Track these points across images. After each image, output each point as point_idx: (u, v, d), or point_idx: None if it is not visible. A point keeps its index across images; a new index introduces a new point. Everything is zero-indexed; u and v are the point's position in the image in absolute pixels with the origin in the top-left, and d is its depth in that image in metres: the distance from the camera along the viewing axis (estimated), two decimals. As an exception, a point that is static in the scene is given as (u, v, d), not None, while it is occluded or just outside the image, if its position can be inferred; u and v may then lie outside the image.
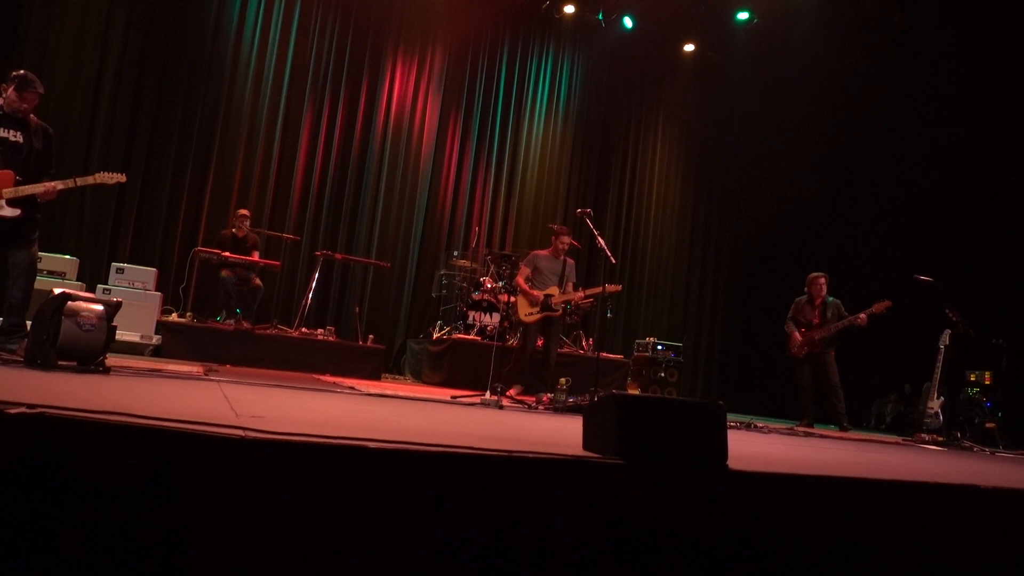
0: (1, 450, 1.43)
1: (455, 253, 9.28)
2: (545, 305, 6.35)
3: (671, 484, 1.96)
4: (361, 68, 9.85)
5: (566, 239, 6.49)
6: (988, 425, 7.75)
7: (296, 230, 9.19)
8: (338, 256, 8.67)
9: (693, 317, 11.73)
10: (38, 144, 4.17)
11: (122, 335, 6.16)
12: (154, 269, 7.12)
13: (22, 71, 4.14)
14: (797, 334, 6.98)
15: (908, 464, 3.49)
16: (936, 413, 7.09)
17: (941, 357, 7.17)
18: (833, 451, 3.85)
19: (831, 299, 7.05)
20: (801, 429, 6.15)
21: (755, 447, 3.42)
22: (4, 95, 4.04)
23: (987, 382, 8.36)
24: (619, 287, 6.58)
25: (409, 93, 10.15)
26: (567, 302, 6.46)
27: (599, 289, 6.26)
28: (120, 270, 6.84)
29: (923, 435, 6.94)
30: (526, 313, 6.43)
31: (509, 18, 10.83)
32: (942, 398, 7.14)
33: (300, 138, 9.44)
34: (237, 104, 9.11)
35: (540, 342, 6.61)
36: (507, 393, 5.32)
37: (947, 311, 7.13)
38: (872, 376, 9.51)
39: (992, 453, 6.10)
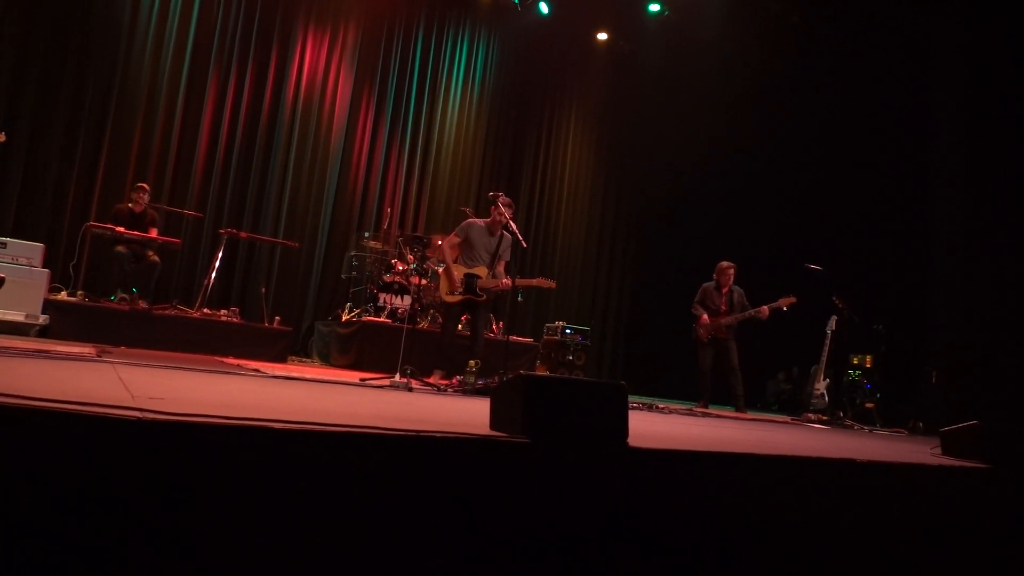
0: None
1: (366, 234, 9.14)
2: (469, 287, 5.84)
3: (574, 461, 2.03)
4: (270, 39, 9.50)
5: (509, 212, 5.78)
6: (868, 405, 8.33)
7: (199, 207, 8.81)
8: (243, 234, 8.39)
9: (601, 302, 12.00)
10: None
11: (5, 314, 5.77)
12: (41, 244, 6.67)
13: None
14: (706, 316, 7.25)
15: (795, 441, 3.72)
16: (822, 394, 7.57)
17: (828, 341, 7.64)
18: (727, 430, 4.06)
19: (736, 288, 7.37)
20: (699, 410, 6.43)
21: (655, 426, 3.57)
22: None
23: (868, 365, 8.96)
24: (553, 284, 6.25)
25: (320, 68, 9.87)
26: (494, 288, 5.95)
27: (532, 281, 6.05)
28: (2, 244, 6.38)
29: (810, 415, 7.39)
30: (447, 292, 5.92)
31: (424, -3, 10.70)
32: (827, 380, 7.62)
33: (204, 110, 9.03)
34: (135, 68, 8.60)
35: (464, 319, 6.23)
36: (427, 380, 5.21)
37: (834, 298, 7.60)
38: (764, 358, 10.01)
39: (871, 431, 6.58)
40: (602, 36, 11.81)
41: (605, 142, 12.20)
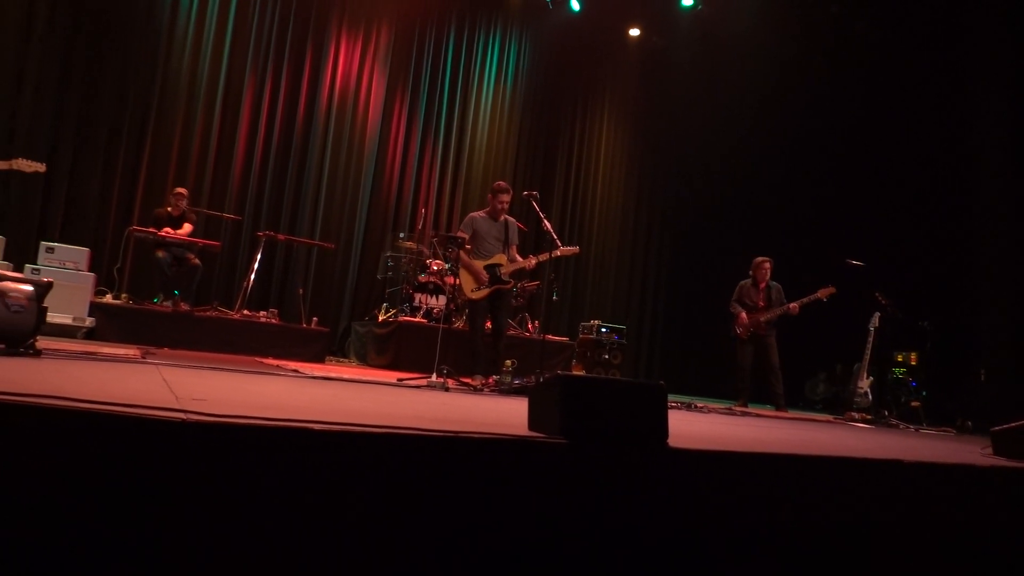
0: (-74, 436, 1.38)
1: (401, 234, 9.19)
2: (494, 278, 5.72)
3: (613, 462, 2.01)
4: (304, 43, 9.61)
5: (505, 197, 5.80)
6: (913, 404, 8.13)
7: (237, 210, 8.96)
8: (281, 237, 8.51)
9: (637, 300, 11.91)
10: None
11: (53, 317, 5.92)
12: (87, 249, 6.85)
13: None
14: (744, 314, 7.17)
15: (838, 441, 3.64)
16: (865, 392, 7.40)
17: (871, 338, 7.47)
18: (768, 429, 3.99)
19: (774, 283, 7.28)
20: (739, 409, 6.34)
21: (694, 426, 3.52)
22: None
23: (913, 363, 8.74)
24: (576, 248, 6.10)
25: (354, 70, 9.97)
26: (519, 270, 5.88)
27: (556, 252, 5.80)
28: (50, 249, 6.57)
29: (853, 413, 7.24)
30: (472, 289, 5.80)
31: (456, -3, 10.73)
32: (871, 378, 7.45)
33: (241, 114, 9.18)
34: (174, 77, 8.78)
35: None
36: (463, 380, 5.12)
37: (877, 294, 7.43)
38: (804, 357, 9.84)
39: (917, 430, 6.41)
40: (634, 32, 11.72)
41: (638, 139, 12.10)
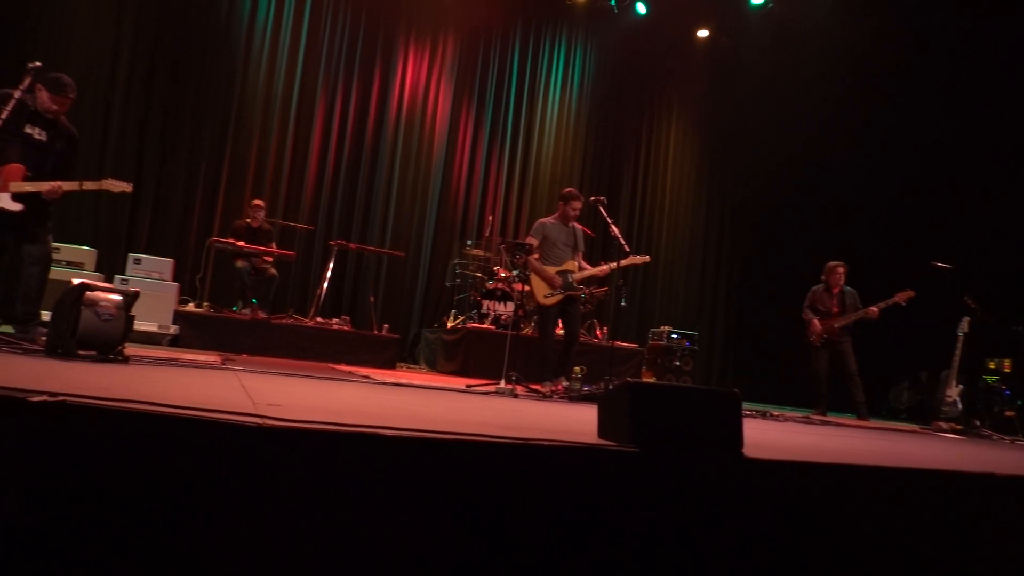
0: (24, 437, 1.45)
1: (469, 242, 9.28)
2: (566, 284, 5.66)
3: (686, 472, 1.96)
4: (373, 56, 9.85)
5: (577, 204, 5.71)
6: (1008, 413, 7.69)
7: (310, 220, 9.23)
8: (352, 245, 8.72)
9: (708, 305, 11.68)
10: (60, 146, 4.23)
11: (140, 325, 6.20)
12: (171, 259, 7.17)
13: (58, 74, 4.17)
14: (816, 321, 6.97)
15: (926, 452, 3.46)
16: (955, 401, 7.04)
17: (960, 344, 7.10)
18: (849, 439, 3.84)
19: (848, 288, 7.05)
20: (816, 417, 6.13)
21: (770, 435, 3.41)
22: (36, 95, 4.07)
23: (1006, 370, 8.28)
24: (647, 258, 6.05)
25: (421, 81, 10.14)
26: (591, 279, 5.80)
27: (626, 261, 5.68)
28: (137, 260, 6.89)
29: (941, 423, 6.89)
30: (544, 295, 5.69)
31: (520, 5, 10.78)
32: (961, 386, 7.08)
33: (313, 127, 9.47)
34: (250, 94, 9.13)
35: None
36: (532, 386, 5.13)
37: (966, 298, 7.06)
38: (887, 364, 9.43)
39: (1012, 441, 6.05)
40: (702, 33, 11.54)
41: (708, 141, 11.89)
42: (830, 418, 6.23)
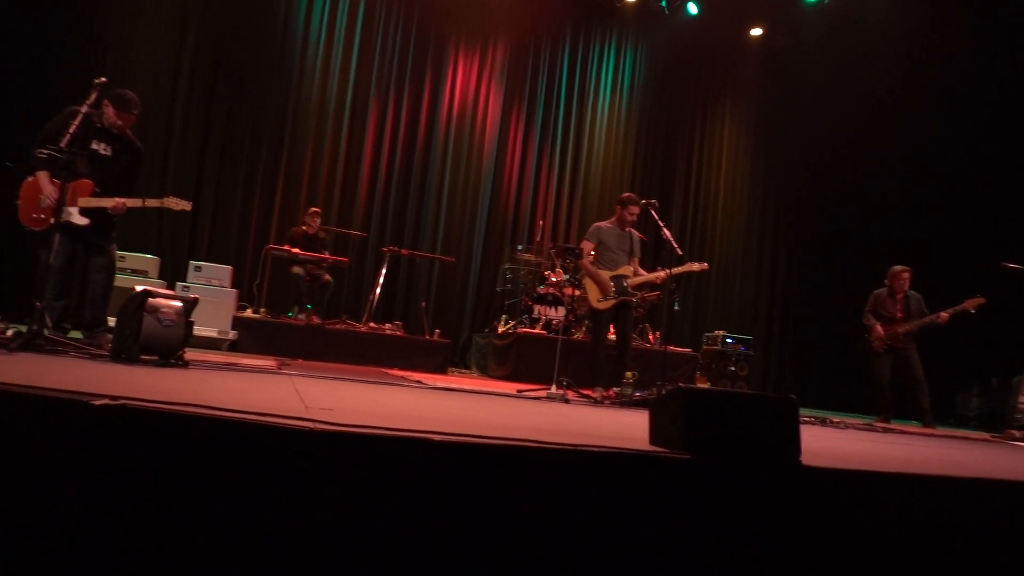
0: (86, 438, 1.50)
1: (519, 247, 9.29)
2: (620, 289, 5.58)
3: (740, 480, 1.91)
4: (424, 63, 9.96)
5: (635, 208, 5.64)
6: (1086, 421, 7.28)
7: (363, 226, 9.37)
8: (404, 251, 8.82)
9: (764, 309, 11.42)
10: (125, 159, 4.38)
11: (200, 331, 6.38)
12: (229, 267, 7.37)
13: (123, 90, 4.32)
14: (879, 327, 6.76)
15: (998, 461, 3.31)
16: (1028, 408, 6.72)
17: (1033, 349, 6.78)
18: (915, 448, 3.69)
19: (912, 293, 6.83)
20: (880, 425, 5.92)
21: (830, 443, 3.31)
22: (103, 110, 4.24)
23: (1084, 375, 7.84)
24: (705, 265, 5.97)
25: (471, 87, 10.21)
26: (646, 285, 5.75)
27: (685, 267, 5.67)
28: (198, 268, 7.10)
29: (1014, 431, 6.57)
30: (597, 299, 5.63)
31: (570, 9, 10.77)
32: (1035, 392, 6.76)
33: (366, 135, 9.62)
34: (304, 105, 9.34)
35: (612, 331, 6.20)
36: (583, 392, 5.07)
37: (1039, 300, 6.75)
38: (955, 369, 9.05)
39: (1091, 451, 5.73)
40: (756, 31, 11.32)
41: (762, 142, 11.65)
42: (894, 425, 6.02)
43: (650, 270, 5.92)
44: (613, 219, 5.83)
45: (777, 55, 11.38)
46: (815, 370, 11.02)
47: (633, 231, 5.83)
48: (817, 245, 11.36)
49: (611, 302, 5.62)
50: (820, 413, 6.49)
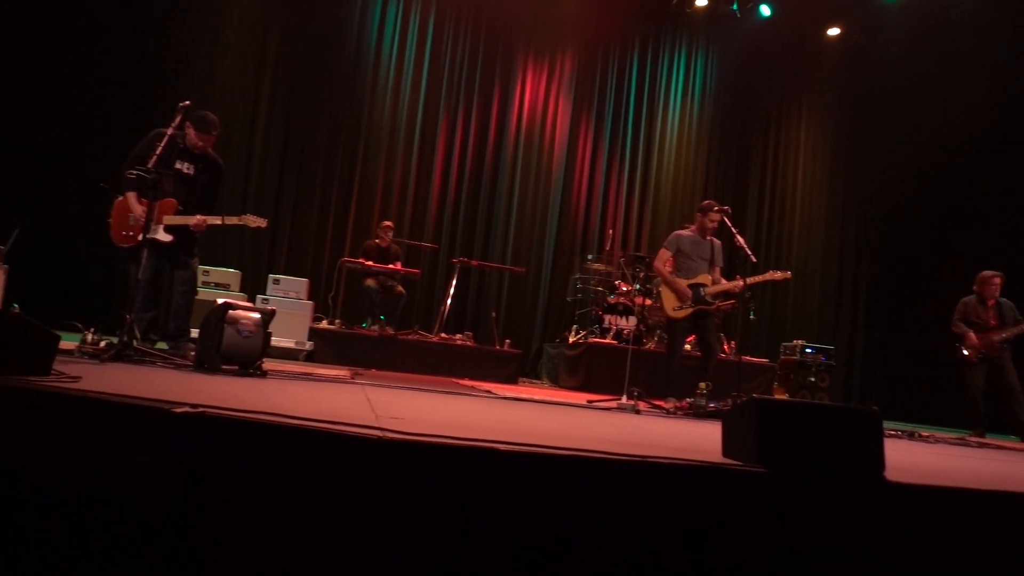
0: (168, 444, 1.57)
1: (589, 256, 9.25)
2: (697, 298, 5.45)
3: (818, 495, 1.83)
4: (493, 76, 10.07)
5: (716, 216, 5.50)
6: None
7: (434, 238, 9.51)
8: (474, 263, 8.90)
9: (846, 318, 10.99)
10: (206, 177, 4.58)
11: (278, 341, 6.57)
12: (306, 279, 7.59)
13: (204, 112, 4.52)
14: (973, 335, 6.42)
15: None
16: None
17: None
18: (1012, 464, 3.47)
19: (1004, 300, 6.48)
20: (973, 439, 5.60)
21: (918, 457, 3.15)
22: (186, 131, 4.45)
23: None
24: (788, 274, 5.75)
25: (540, 98, 10.25)
26: (723, 293, 5.59)
27: (766, 276, 5.55)
28: (276, 281, 7.35)
29: (1125, 448, 6.11)
30: (673, 307, 5.49)
31: (639, 16, 10.69)
32: None
33: (436, 148, 9.78)
34: (377, 119, 9.57)
35: (690, 339, 6.03)
36: (655, 402, 4.99)
37: None
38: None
39: None
40: (833, 31, 10.96)
41: (841, 145, 11.25)
42: (989, 440, 5.68)
43: (727, 279, 5.77)
44: (693, 227, 5.71)
45: (856, 55, 10.99)
46: (903, 381, 10.49)
47: (714, 239, 5.68)
48: (901, 250, 10.86)
49: (687, 311, 5.48)
50: (909, 426, 6.18)
